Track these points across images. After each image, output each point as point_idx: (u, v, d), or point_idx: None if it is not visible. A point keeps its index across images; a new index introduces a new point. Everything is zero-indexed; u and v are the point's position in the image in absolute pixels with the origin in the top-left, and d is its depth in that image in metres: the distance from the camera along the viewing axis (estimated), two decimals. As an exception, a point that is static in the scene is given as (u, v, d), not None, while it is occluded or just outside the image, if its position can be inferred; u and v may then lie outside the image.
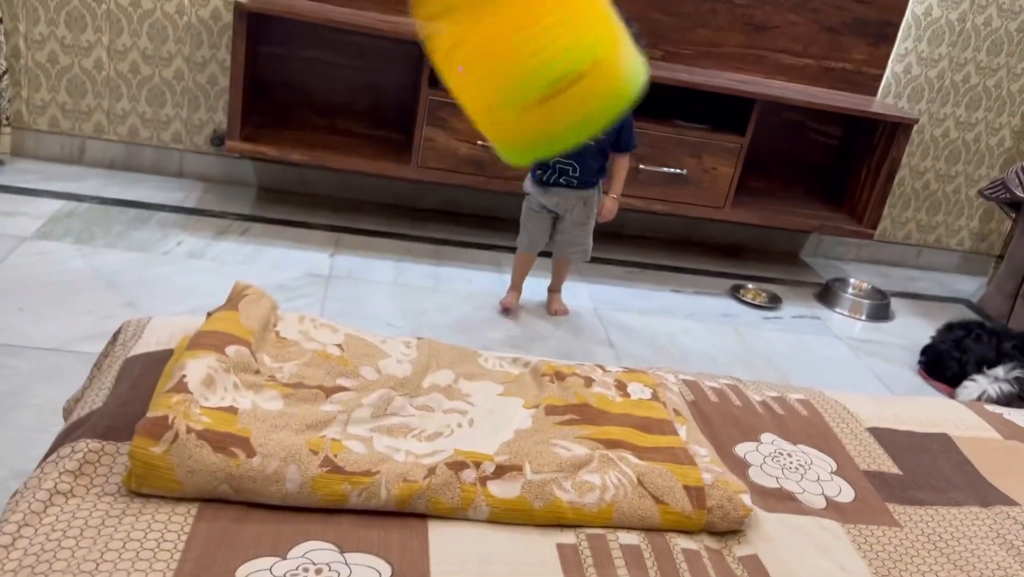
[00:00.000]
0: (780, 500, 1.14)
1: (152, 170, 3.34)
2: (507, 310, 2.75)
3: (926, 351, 2.86)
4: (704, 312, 3.06)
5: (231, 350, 1.08)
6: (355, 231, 3.19)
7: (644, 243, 3.60)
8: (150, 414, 0.96)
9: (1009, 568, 1.08)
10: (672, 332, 2.85)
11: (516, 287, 2.79)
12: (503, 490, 1.00)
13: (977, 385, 2.53)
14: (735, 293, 3.23)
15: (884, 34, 3.48)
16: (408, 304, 2.72)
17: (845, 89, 3.53)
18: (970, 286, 3.84)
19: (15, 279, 2.41)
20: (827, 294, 3.36)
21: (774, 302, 3.22)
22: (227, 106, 3.13)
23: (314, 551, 0.90)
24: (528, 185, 2.67)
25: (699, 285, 3.29)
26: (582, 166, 2.55)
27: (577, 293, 2.99)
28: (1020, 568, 1.08)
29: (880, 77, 3.54)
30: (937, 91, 3.65)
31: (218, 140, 3.29)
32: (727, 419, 1.28)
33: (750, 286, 3.29)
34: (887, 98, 3.61)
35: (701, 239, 3.71)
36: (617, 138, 2.54)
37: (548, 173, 2.58)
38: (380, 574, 0.88)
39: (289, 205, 3.29)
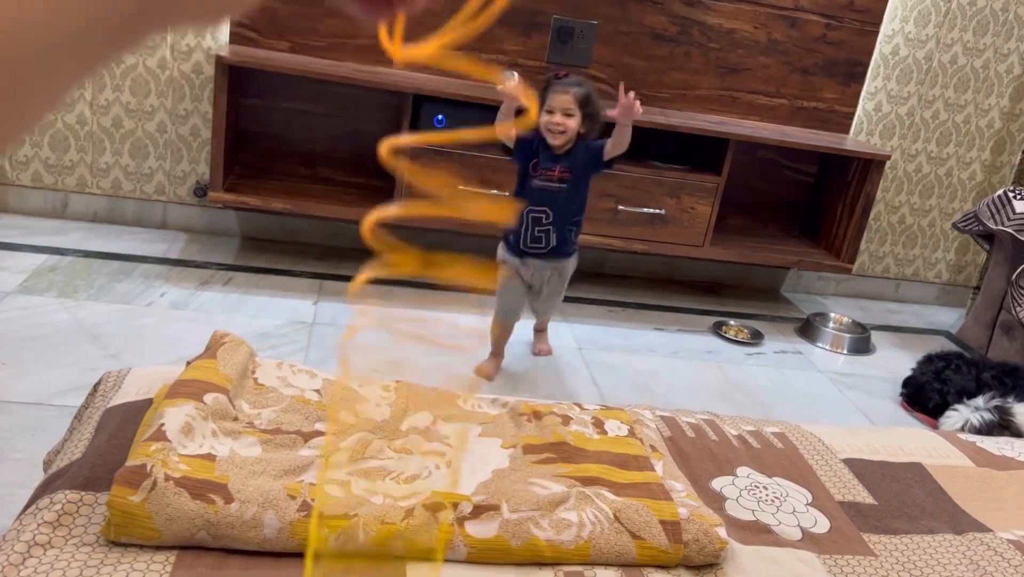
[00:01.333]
0: (756, 532, 1.15)
1: (135, 222, 3.36)
2: (487, 378, 2.64)
3: (907, 383, 2.89)
4: (687, 349, 3.08)
5: (209, 398, 1.10)
6: (338, 277, 3.21)
7: (626, 282, 3.64)
8: (129, 463, 0.97)
9: (982, 594, 1.09)
10: (656, 370, 2.87)
11: (497, 353, 2.70)
12: (480, 530, 1.01)
13: (959, 415, 2.56)
14: (717, 330, 3.26)
15: (854, 73, 3.56)
16: (392, 350, 2.73)
17: (818, 127, 3.60)
18: (949, 317, 3.88)
19: (-3, 334, 2.41)
20: (808, 329, 3.39)
21: (756, 338, 3.25)
22: (209, 157, 3.17)
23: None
24: (502, 254, 2.60)
25: (681, 323, 3.32)
26: (556, 215, 2.48)
27: (560, 333, 3.01)
28: (993, 593, 1.10)
29: (852, 115, 3.63)
30: (908, 127, 3.73)
31: (201, 191, 3.32)
32: (703, 453, 1.30)
33: (732, 323, 3.32)
34: (859, 135, 3.69)
35: (682, 277, 3.75)
36: (591, 164, 2.48)
37: (523, 233, 2.50)
38: (358, 617, 0.89)
39: (272, 253, 3.32)
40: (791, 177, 3.72)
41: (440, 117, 3.04)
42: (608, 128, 2.45)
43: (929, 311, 3.95)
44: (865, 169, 3.38)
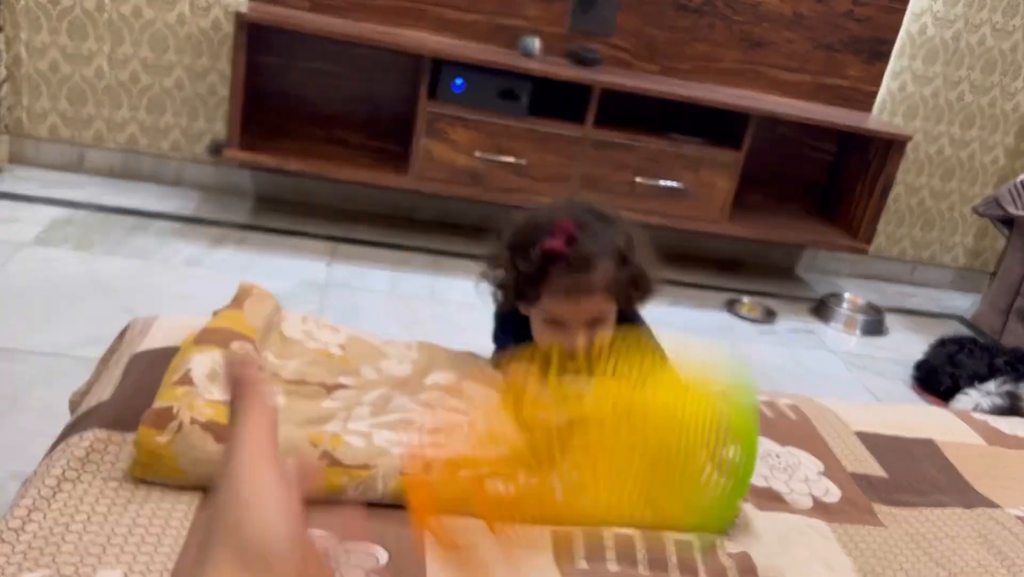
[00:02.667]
0: (769, 500, 1.16)
1: (151, 178, 3.36)
2: None
3: (920, 366, 2.89)
4: (700, 325, 3.09)
5: (235, 345, 1.11)
6: (352, 241, 3.22)
7: (639, 256, 3.63)
8: (155, 405, 0.98)
9: (989, 565, 1.10)
10: (668, 345, 2.87)
11: None
12: (496, 489, 1.02)
13: (969, 399, 2.56)
14: (731, 307, 3.27)
15: (879, 52, 3.53)
16: (405, 314, 2.74)
17: (840, 105, 3.57)
18: (964, 302, 3.87)
19: (14, 285, 2.43)
20: (822, 309, 3.39)
21: (769, 316, 3.25)
22: (226, 115, 3.17)
23: (314, 538, 0.92)
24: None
25: (695, 299, 3.32)
26: None
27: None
28: (1000, 565, 1.11)
29: (875, 94, 3.59)
30: (932, 109, 3.70)
31: (216, 149, 3.32)
32: (718, 421, 1.31)
33: (746, 300, 3.32)
34: (882, 115, 3.66)
35: (698, 253, 3.75)
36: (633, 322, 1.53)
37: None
38: (378, 560, 0.90)
39: (286, 215, 3.32)
40: (811, 155, 3.70)
41: (459, 81, 3.03)
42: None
43: (944, 295, 3.94)
44: (886, 149, 3.36)
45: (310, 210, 3.40)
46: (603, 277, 1.28)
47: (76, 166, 3.31)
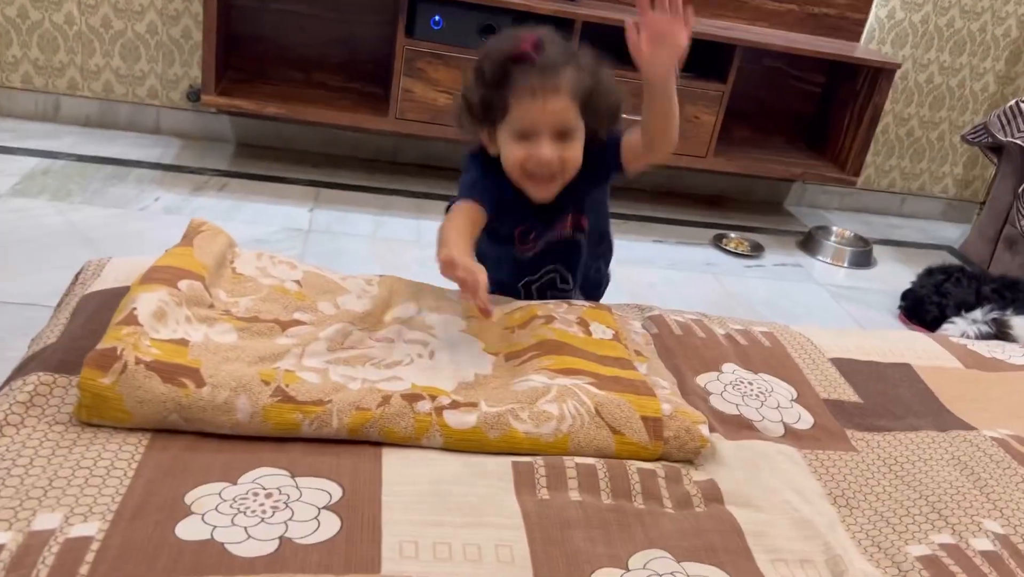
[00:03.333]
0: (739, 428, 1.14)
1: (128, 127, 3.30)
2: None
3: (906, 296, 2.87)
4: (686, 261, 3.06)
5: (183, 284, 1.08)
6: (334, 186, 3.17)
7: (628, 194, 3.58)
8: (100, 346, 0.96)
9: (961, 486, 1.09)
10: (653, 282, 2.85)
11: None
12: (458, 421, 1.00)
13: (956, 327, 2.54)
14: (717, 242, 3.23)
15: (868, -22, 3.43)
16: (388, 258, 2.71)
17: (828, 35, 3.49)
18: (954, 233, 3.84)
19: (-10, 235, 2.39)
20: (809, 242, 3.36)
21: (756, 251, 3.22)
22: (201, 60, 3.09)
23: (265, 476, 0.90)
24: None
25: (681, 235, 3.29)
26: (577, 270, 1.54)
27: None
28: (972, 486, 1.09)
29: (863, 22, 3.51)
30: (921, 36, 3.61)
31: (194, 95, 3.25)
32: (689, 351, 1.29)
33: (732, 235, 3.29)
34: (871, 44, 3.57)
35: (684, 190, 3.70)
36: (605, 159, 1.42)
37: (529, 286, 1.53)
38: (331, 496, 0.89)
39: (267, 160, 3.27)
40: (798, 87, 3.63)
41: (437, 18, 2.95)
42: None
43: (934, 226, 3.90)
44: (875, 79, 3.29)
45: (292, 155, 3.34)
46: (569, 80, 1.26)
47: (52, 115, 3.25)
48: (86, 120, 3.27)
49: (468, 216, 1.32)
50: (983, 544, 0.98)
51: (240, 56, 3.22)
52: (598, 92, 1.32)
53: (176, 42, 3.20)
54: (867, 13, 3.49)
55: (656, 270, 2.94)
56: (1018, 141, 3.06)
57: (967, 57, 3.67)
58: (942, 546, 0.97)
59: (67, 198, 2.71)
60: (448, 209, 1.39)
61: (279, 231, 2.75)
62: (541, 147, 1.28)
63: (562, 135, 1.29)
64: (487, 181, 1.36)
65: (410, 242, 2.83)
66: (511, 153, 1.31)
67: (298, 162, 3.29)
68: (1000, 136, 3.12)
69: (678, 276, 2.93)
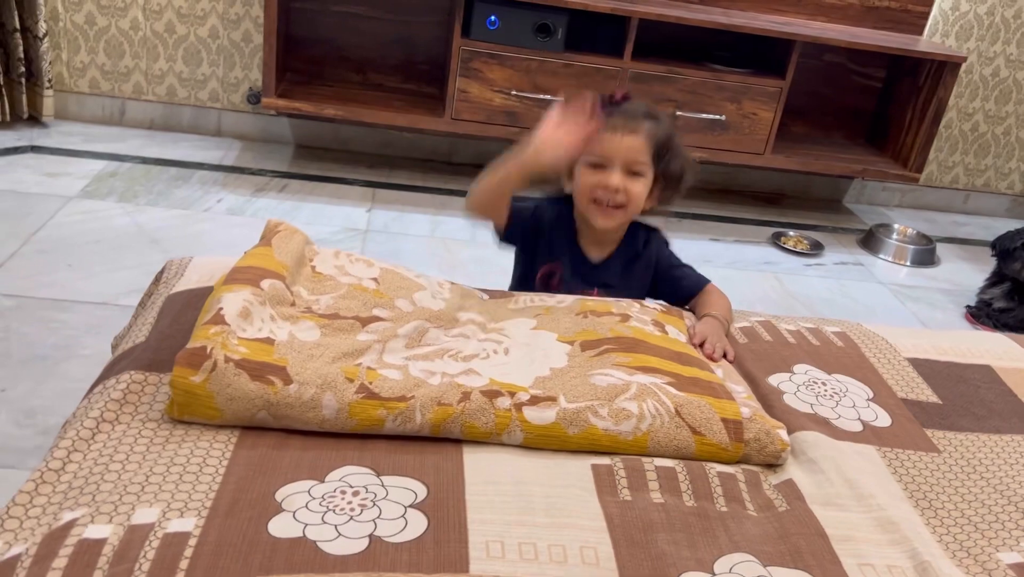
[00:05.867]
0: (815, 424, 1.13)
1: (191, 129, 3.37)
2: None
3: (995, 244, 2.85)
4: (744, 260, 3.02)
5: (266, 284, 1.10)
6: (391, 186, 3.20)
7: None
8: (189, 345, 0.98)
9: (1051, 492, 1.06)
10: (712, 281, 2.82)
11: None
12: (538, 416, 1.01)
13: None
14: (776, 241, 3.19)
15: (930, -30, 3.36)
16: (445, 257, 2.73)
17: (889, 28, 3.42)
18: (1020, 230, 3.73)
19: (62, 237, 2.46)
20: (870, 240, 3.30)
21: (816, 249, 3.17)
22: (261, 63, 3.15)
23: (351, 475, 0.92)
24: None
25: (739, 234, 3.25)
26: None
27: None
28: (1063, 492, 1.07)
29: (927, 15, 3.43)
30: (987, 28, 3.52)
31: (254, 98, 3.31)
32: (758, 353, 1.28)
33: (791, 233, 3.24)
34: (934, 37, 3.50)
35: (742, 187, 3.66)
36: (674, 293, 1.56)
37: None
38: (416, 495, 0.90)
39: (326, 161, 3.31)
40: (858, 82, 3.56)
41: (492, 18, 2.96)
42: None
43: (999, 224, 3.79)
44: (938, 73, 3.22)
45: (349, 156, 3.39)
46: (646, 127, 1.42)
47: (118, 119, 3.33)
48: (151, 123, 3.35)
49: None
50: (1077, 551, 0.96)
51: (298, 58, 3.27)
52: (671, 147, 1.47)
53: (237, 46, 3.26)
54: (930, 5, 3.41)
55: (714, 269, 2.92)
56: (1090, 135, 2.97)
57: (1035, 49, 3.57)
58: (1034, 553, 0.95)
59: (134, 200, 2.78)
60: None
61: (338, 231, 2.79)
62: (612, 175, 1.41)
63: (632, 172, 1.43)
64: (537, 213, 1.50)
65: (466, 241, 2.85)
66: (584, 179, 1.44)
67: (355, 163, 3.33)
68: (1071, 130, 3.03)
69: (737, 275, 2.90)
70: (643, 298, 1.47)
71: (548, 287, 1.52)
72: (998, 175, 3.83)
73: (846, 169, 3.39)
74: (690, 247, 3.03)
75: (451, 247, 2.80)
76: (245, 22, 3.23)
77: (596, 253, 1.52)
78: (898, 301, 2.88)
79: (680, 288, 1.56)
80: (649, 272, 1.55)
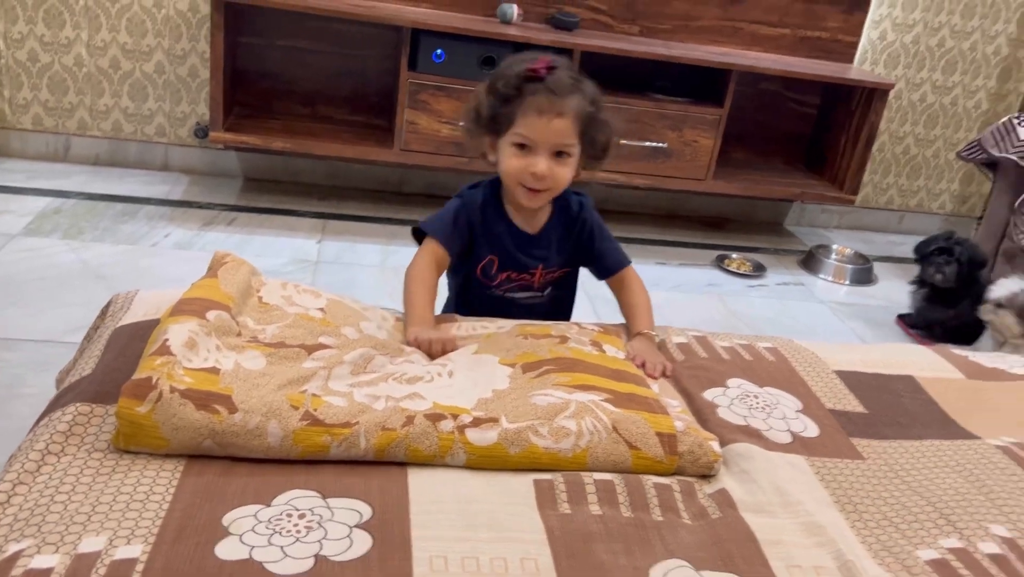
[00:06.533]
0: (747, 436, 1.18)
1: (137, 164, 3.36)
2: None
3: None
4: (689, 283, 3.10)
5: (212, 315, 1.12)
6: (342, 217, 3.22)
7: (630, 219, 3.64)
8: (135, 376, 1.00)
9: (968, 493, 1.12)
10: (658, 303, 2.83)
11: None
12: (480, 437, 1.04)
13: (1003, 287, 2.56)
14: (720, 263, 3.28)
15: (858, 1, 3.51)
16: (396, 286, 2.71)
17: (822, 58, 3.56)
18: (953, 248, 3.88)
19: (6, 275, 2.44)
20: (811, 261, 3.40)
21: (758, 270, 3.26)
22: (209, 97, 3.16)
23: (297, 498, 0.94)
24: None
25: (684, 257, 3.33)
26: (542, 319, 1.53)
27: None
28: (978, 492, 1.12)
29: (856, 44, 3.58)
30: (913, 56, 3.68)
31: (202, 132, 3.31)
32: (693, 368, 1.33)
33: (734, 256, 3.33)
34: (864, 65, 3.64)
35: (686, 213, 3.75)
36: (596, 263, 1.65)
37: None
38: (361, 515, 0.92)
39: (275, 194, 3.32)
40: (794, 109, 3.69)
41: (439, 52, 3.02)
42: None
43: (933, 242, 3.94)
44: (869, 99, 3.35)
45: (299, 188, 3.40)
46: (573, 106, 1.39)
47: (62, 155, 3.31)
48: (96, 159, 3.33)
49: (437, 267, 1.51)
50: (990, 548, 1.01)
51: (246, 92, 3.29)
52: (596, 123, 1.44)
53: (183, 81, 3.27)
54: (859, 35, 3.56)
55: (660, 292, 2.98)
56: (1012, 157, 3.11)
57: (959, 76, 3.74)
58: (951, 550, 1.00)
59: (79, 236, 2.76)
60: (414, 232, 1.59)
61: (289, 263, 2.80)
62: (538, 161, 1.41)
63: (558, 154, 1.42)
64: (461, 218, 1.52)
65: (418, 270, 2.87)
66: (510, 162, 1.44)
67: (305, 195, 3.35)
68: (994, 152, 3.17)
69: (682, 297, 2.97)
70: (579, 266, 1.58)
71: (490, 276, 1.55)
72: (930, 195, 3.99)
73: (785, 193, 3.50)
74: (637, 270, 3.10)
75: (403, 276, 2.82)
76: (191, 57, 3.24)
77: (531, 226, 1.55)
78: (837, 319, 2.97)
79: (604, 264, 1.61)
80: (583, 239, 1.58)
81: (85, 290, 2.43)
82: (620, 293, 1.62)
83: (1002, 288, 2.53)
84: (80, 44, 3.16)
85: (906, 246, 3.84)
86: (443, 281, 1.66)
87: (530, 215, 1.54)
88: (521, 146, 1.42)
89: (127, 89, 3.25)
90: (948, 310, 2.83)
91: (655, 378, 1.32)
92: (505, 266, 1.54)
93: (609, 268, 1.62)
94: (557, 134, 1.39)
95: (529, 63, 1.41)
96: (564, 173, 1.44)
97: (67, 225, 2.81)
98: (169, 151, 3.37)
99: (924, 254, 2.86)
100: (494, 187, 1.55)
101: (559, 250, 1.57)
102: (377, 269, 2.85)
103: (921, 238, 3.03)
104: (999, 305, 2.50)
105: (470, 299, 1.61)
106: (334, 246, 2.96)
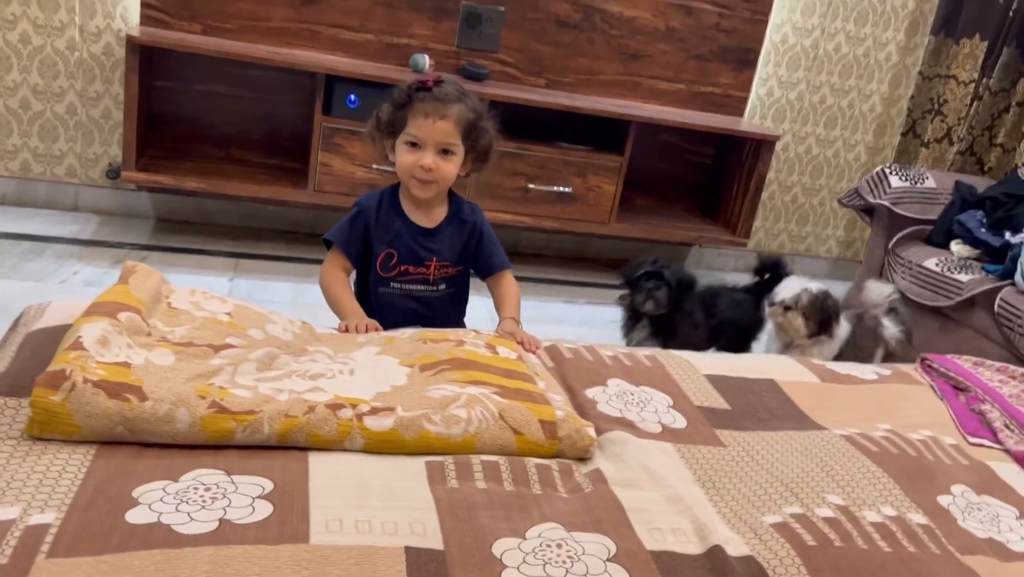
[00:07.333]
0: (622, 426, 1.31)
1: (46, 204, 3.36)
2: None
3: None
4: (594, 319, 3.25)
5: (123, 316, 1.19)
6: (255, 256, 3.27)
7: (539, 260, 3.80)
8: (50, 368, 1.06)
9: (811, 472, 1.27)
10: (563, 337, 3.02)
11: None
12: (377, 424, 1.14)
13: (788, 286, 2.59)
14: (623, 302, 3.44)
15: (747, 60, 3.80)
16: (309, 322, 2.81)
17: (714, 111, 3.82)
18: (840, 290, 4.13)
19: (-93, 309, 2.41)
20: (707, 299, 3.59)
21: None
22: (122, 139, 3.20)
23: (204, 475, 1.01)
24: None
25: (590, 296, 3.49)
26: (437, 314, 1.79)
27: (474, 305, 3.14)
28: (820, 470, 1.27)
29: (746, 100, 3.86)
30: (798, 111, 3.99)
31: (113, 173, 3.34)
32: (579, 371, 1.46)
33: (636, 295, 3.50)
34: (753, 119, 3.93)
35: (593, 255, 3.93)
36: (480, 262, 1.84)
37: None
38: (263, 488, 1.00)
39: (188, 235, 3.36)
40: (691, 158, 3.94)
41: (352, 97, 3.15)
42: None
43: (822, 284, 4.21)
44: (757, 150, 3.61)
45: (213, 230, 3.44)
46: (457, 112, 1.65)
47: (-33, 196, 3.29)
48: (2, 199, 3.32)
49: (342, 270, 1.76)
50: (826, 513, 1.16)
51: (160, 135, 3.34)
52: (478, 127, 1.70)
53: (96, 122, 3.31)
54: (748, 91, 3.85)
55: (567, 328, 3.13)
56: (885, 203, 3.39)
57: (840, 130, 4.06)
58: (792, 516, 1.14)
59: (-16, 273, 2.74)
60: (325, 243, 1.80)
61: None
62: (425, 156, 1.65)
63: (444, 152, 1.67)
64: (358, 222, 1.74)
65: (329, 308, 2.94)
66: (403, 158, 1.68)
67: (218, 235, 3.39)
68: (870, 199, 3.46)
69: (589, 332, 3.11)
70: (469, 266, 1.80)
71: (388, 268, 1.74)
72: (818, 240, 4.27)
73: (684, 236, 3.72)
74: (545, 308, 3.24)
75: (315, 312, 2.87)
76: (105, 99, 3.28)
77: (427, 221, 1.76)
78: (730, 351, 3.16)
79: (489, 262, 1.83)
80: (473, 239, 1.80)
81: (-10, 323, 2.42)
82: (495, 288, 1.85)
83: (786, 290, 2.53)
84: (-9, 84, 3.18)
85: (795, 287, 4.10)
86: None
87: (426, 211, 1.75)
88: (412, 144, 1.66)
89: (37, 129, 3.27)
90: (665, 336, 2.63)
91: (532, 351, 1.55)
92: (403, 259, 1.74)
93: (491, 268, 1.84)
94: (442, 133, 1.64)
95: (420, 77, 1.69)
96: (449, 168, 1.67)
97: (-28, 262, 2.80)
98: (80, 191, 3.38)
99: (631, 279, 2.68)
100: (393, 190, 1.78)
101: (451, 246, 1.77)
102: (289, 306, 2.91)
103: (811, 281, 3.07)
104: (787, 308, 2.49)
105: (370, 296, 1.79)
106: (246, 284, 3.02)
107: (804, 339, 2.52)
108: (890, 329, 2.66)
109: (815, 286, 2.51)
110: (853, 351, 2.55)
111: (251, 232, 3.49)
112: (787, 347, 2.61)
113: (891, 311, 2.72)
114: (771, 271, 2.81)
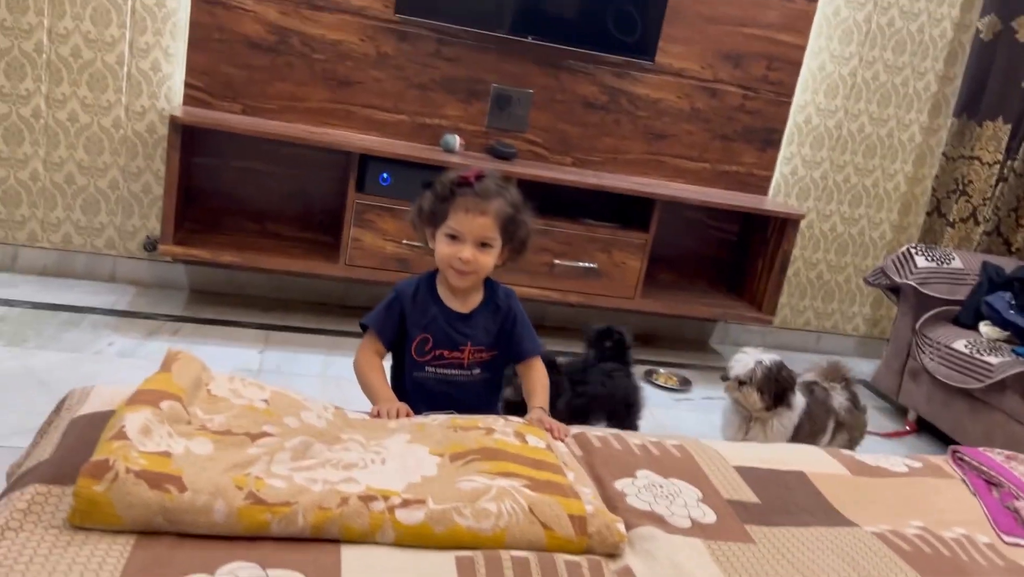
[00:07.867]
0: (651, 521, 1.31)
1: (85, 275, 3.45)
2: None
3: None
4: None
5: (165, 404, 1.23)
6: (285, 328, 3.33)
7: (565, 334, 3.81)
8: (93, 458, 1.09)
9: (842, 570, 1.26)
10: (588, 414, 3.02)
11: None
12: (408, 517, 1.15)
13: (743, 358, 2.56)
14: (648, 377, 3.45)
15: (770, 140, 3.86)
16: (337, 394, 2.84)
17: (739, 189, 3.87)
18: (867, 368, 4.12)
19: (-51, 380, 2.47)
20: (733, 377, 3.58)
21: (685, 385, 3.44)
22: (160, 213, 3.30)
23: (240, 569, 1.03)
24: None
25: (614, 371, 3.49)
26: (471, 398, 1.81)
27: (498, 380, 3.16)
28: (851, 570, 1.26)
29: (770, 178, 3.91)
30: (822, 190, 4.02)
31: (151, 245, 3.43)
32: (607, 460, 1.46)
33: (662, 371, 3.51)
34: (777, 196, 3.97)
35: (616, 330, 3.94)
36: (512, 347, 1.85)
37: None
38: (297, 583, 1.02)
39: (220, 306, 3.43)
40: (715, 235, 3.98)
41: (385, 175, 3.23)
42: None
43: (849, 362, 4.18)
44: (782, 228, 3.64)
45: (244, 301, 3.51)
46: (497, 207, 1.71)
47: (9, 265, 3.38)
48: (43, 269, 3.41)
49: (377, 354, 1.79)
50: (861, 617, 1.14)
51: (197, 209, 3.44)
52: (516, 220, 1.76)
53: (136, 196, 3.41)
54: (772, 170, 3.90)
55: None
56: (912, 283, 3.40)
57: (864, 208, 4.09)
58: (825, 618, 1.13)
59: (22, 344, 2.81)
60: (361, 327, 1.84)
61: (230, 372, 2.86)
62: (464, 249, 1.71)
63: (482, 244, 1.72)
64: (394, 307, 1.79)
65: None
66: (442, 249, 1.74)
67: (249, 307, 3.46)
68: (896, 278, 3.46)
69: (611, 409, 3.11)
70: (504, 348, 1.81)
71: (423, 353, 1.77)
72: (844, 318, 4.27)
73: (708, 312, 3.73)
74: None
75: (343, 385, 2.92)
76: (146, 175, 3.39)
77: (462, 307, 1.81)
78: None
79: (519, 348, 1.85)
80: (508, 323, 1.83)
81: (27, 395, 2.47)
82: (525, 374, 1.87)
83: (740, 365, 2.53)
84: (37, 160, 3.30)
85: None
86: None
87: (463, 297, 1.80)
88: (452, 236, 1.72)
89: (80, 203, 3.37)
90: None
91: (561, 439, 1.57)
92: (438, 344, 1.78)
93: (522, 353, 1.87)
94: (481, 228, 1.70)
95: (462, 172, 1.75)
96: (487, 260, 1.73)
97: (11, 333, 2.87)
98: (117, 263, 3.47)
99: (592, 337, 2.71)
100: (430, 276, 1.83)
101: (486, 331, 1.81)
102: (318, 378, 2.95)
103: (838, 358, 3.07)
104: (741, 383, 2.50)
105: (405, 381, 1.82)
106: (276, 356, 3.06)
107: (763, 412, 2.51)
108: (838, 399, 2.67)
109: (768, 358, 2.51)
110: (810, 422, 2.56)
111: (281, 303, 3.55)
112: (747, 420, 2.60)
113: (843, 380, 2.75)
114: (609, 338, 2.74)
